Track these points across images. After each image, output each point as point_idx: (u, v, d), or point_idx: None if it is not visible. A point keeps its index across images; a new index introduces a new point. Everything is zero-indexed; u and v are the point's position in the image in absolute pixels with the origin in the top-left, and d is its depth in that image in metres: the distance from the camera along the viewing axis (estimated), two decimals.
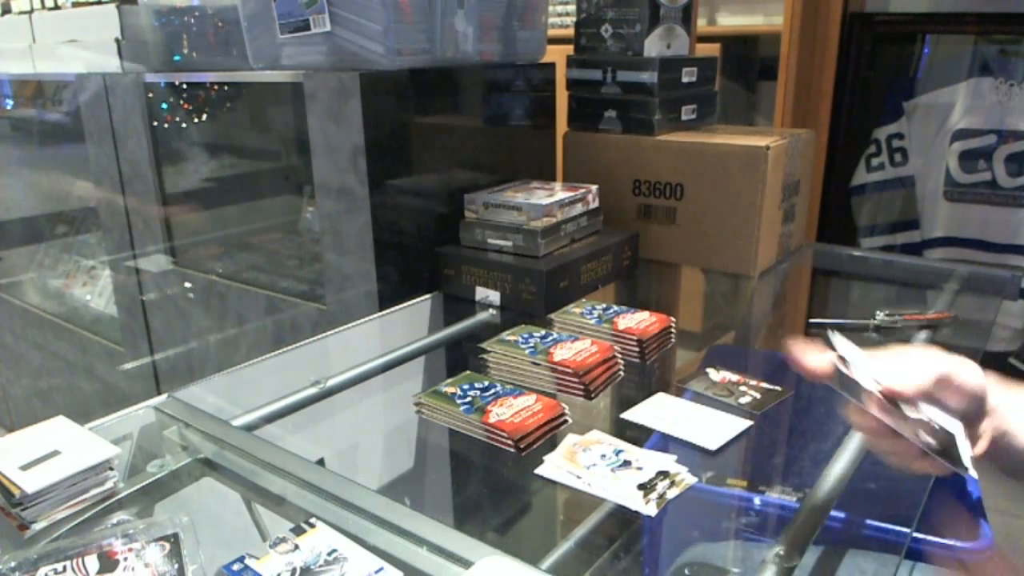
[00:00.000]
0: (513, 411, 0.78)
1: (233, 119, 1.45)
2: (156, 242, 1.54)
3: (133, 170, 1.53)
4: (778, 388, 0.87)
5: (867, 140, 1.98)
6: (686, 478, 0.68)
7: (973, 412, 0.56)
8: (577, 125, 1.37)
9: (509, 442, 0.74)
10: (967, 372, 0.56)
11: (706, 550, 0.86)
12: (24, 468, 0.64)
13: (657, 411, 0.82)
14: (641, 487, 0.67)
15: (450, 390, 0.83)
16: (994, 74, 1.82)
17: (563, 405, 0.80)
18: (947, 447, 0.54)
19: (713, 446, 0.75)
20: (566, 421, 0.79)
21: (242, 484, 0.71)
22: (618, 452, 0.73)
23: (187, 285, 1.50)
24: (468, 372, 0.88)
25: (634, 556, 0.76)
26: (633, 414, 0.82)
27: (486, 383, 0.85)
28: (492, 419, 0.76)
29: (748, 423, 0.80)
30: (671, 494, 0.66)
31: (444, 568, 0.55)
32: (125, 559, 0.56)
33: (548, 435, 0.77)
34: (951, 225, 1.91)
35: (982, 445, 0.56)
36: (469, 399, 0.81)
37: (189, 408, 0.80)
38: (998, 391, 0.58)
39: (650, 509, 0.64)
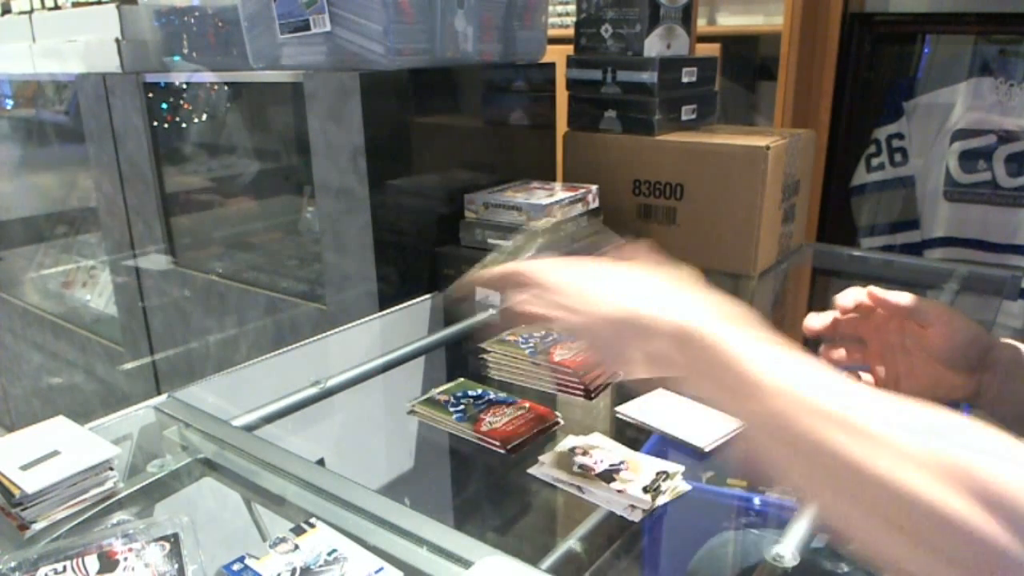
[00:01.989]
0: (505, 419, 0.78)
1: (233, 119, 1.46)
2: (156, 242, 1.54)
3: (133, 170, 1.53)
4: None
5: (867, 140, 1.98)
6: (679, 485, 0.68)
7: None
8: (577, 125, 1.37)
9: (501, 451, 0.74)
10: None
11: (705, 550, 0.86)
12: (24, 468, 0.64)
13: (655, 407, 0.82)
14: (633, 493, 0.67)
15: (443, 398, 0.83)
16: (994, 74, 1.82)
17: (556, 412, 0.80)
18: None
19: (710, 447, 0.75)
20: (557, 423, 0.79)
21: (242, 484, 0.71)
22: (615, 455, 0.73)
23: (186, 285, 1.50)
24: (462, 380, 0.88)
25: (634, 556, 0.76)
26: (630, 408, 0.82)
27: (479, 391, 0.85)
28: (484, 427, 0.77)
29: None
30: (661, 500, 0.66)
31: (444, 568, 0.55)
32: (125, 559, 0.56)
33: (540, 441, 0.77)
34: (951, 225, 1.90)
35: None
36: (462, 407, 0.81)
37: (189, 408, 0.80)
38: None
39: (636, 515, 0.64)
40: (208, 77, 1.38)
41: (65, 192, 2.05)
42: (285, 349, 0.97)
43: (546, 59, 1.35)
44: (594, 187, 1.22)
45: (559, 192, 1.17)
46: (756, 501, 0.80)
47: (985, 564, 0.34)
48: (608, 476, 0.69)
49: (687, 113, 1.33)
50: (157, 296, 1.59)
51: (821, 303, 0.74)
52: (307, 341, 1.00)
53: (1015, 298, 1.29)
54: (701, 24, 2.57)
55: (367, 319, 1.08)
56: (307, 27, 1.10)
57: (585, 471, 0.70)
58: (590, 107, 1.34)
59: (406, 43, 1.07)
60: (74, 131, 1.67)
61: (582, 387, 0.85)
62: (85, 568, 0.55)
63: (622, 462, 0.71)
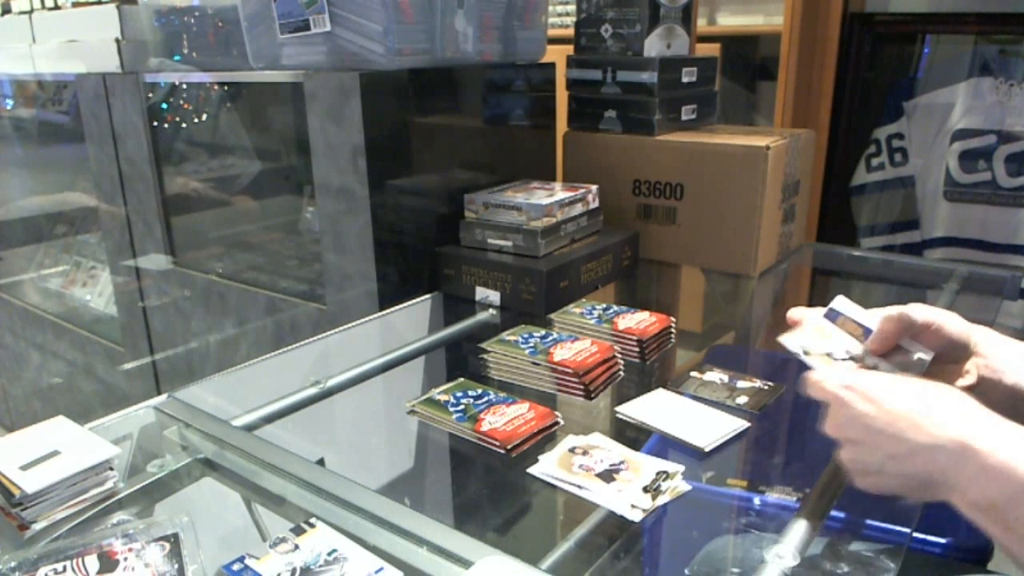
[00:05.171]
0: (506, 419, 0.78)
1: (233, 119, 1.45)
2: (156, 242, 1.54)
3: (133, 170, 1.53)
4: (777, 387, 0.87)
5: (867, 140, 1.98)
6: (679, 485, 0.68)
7: (956, 353, 0.68)
8: (577, 125, 1.37)
9: (501, 452, 0.74)
10: (949, 320, 0.68)
11: (706, 551, 0.86)
12: (24, 468, 0.64)
13: (655, 407, 0.82)
14: (633, 493, 0.67)
15: (443, 398, 0.83)
16: (994, 74, 1.82)
17: (556, 413, 0.80)
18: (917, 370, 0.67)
19: (710, 447, 0.75)
20: (557, 423, 0.79)
21: (242, 484, 0.71)
22: (615, 455, 0.73)
23: (186, 285, 1.50)
24: (462, 379, 0.88)
25: (634, 556, 0.76)
26: (630, 408, 0.82)
27: (479, 391, 0.85)
28: (484, 427, 0.76)
29: (746, 424, 0.80)
30: (661, 500, 0.66)
31: (444, 568, 0.55)
32: (125, 559, 0.56)
33: (540, 441, 0.77)
34: (951, 225, 1.91)
35: (970, 380, 0.67)
36: (462, 407, 0.81)
37: (189, 408, 0.80)
38: (991, 341, 0.69)
39: (636, 515, 0.64)
40: (208, 77, 1.38)
41: (65, 192, 2.05)
42: (285, 349, 0.97)
43: (546, 59, 1.35)
44: (594, 187, 1.22)
45: (559, 192, 1.17)
46: (756, 501, 0.80)
47: None
48: (608, 476, 0.69)
49: (687, 113, 1.33)
50: (157, 296, 1.59)
51: (821, 303, 0.74)
52: (307, 341, 1.00)
53: (1015, 298, 1.29)
54: (701, 24, 2.57)
55: (367, 319, 1.08)
56: (307, 27, 1.10)
57: (585, 471, 0.70)
58: (590, 107, 1.34)
59: (406, 43, 1.07)
60: (74, 131, 1.67)
61: (582, 387, 0.85)
62: (85, 568, 0.55)
63: (622, 462, 0.71)
